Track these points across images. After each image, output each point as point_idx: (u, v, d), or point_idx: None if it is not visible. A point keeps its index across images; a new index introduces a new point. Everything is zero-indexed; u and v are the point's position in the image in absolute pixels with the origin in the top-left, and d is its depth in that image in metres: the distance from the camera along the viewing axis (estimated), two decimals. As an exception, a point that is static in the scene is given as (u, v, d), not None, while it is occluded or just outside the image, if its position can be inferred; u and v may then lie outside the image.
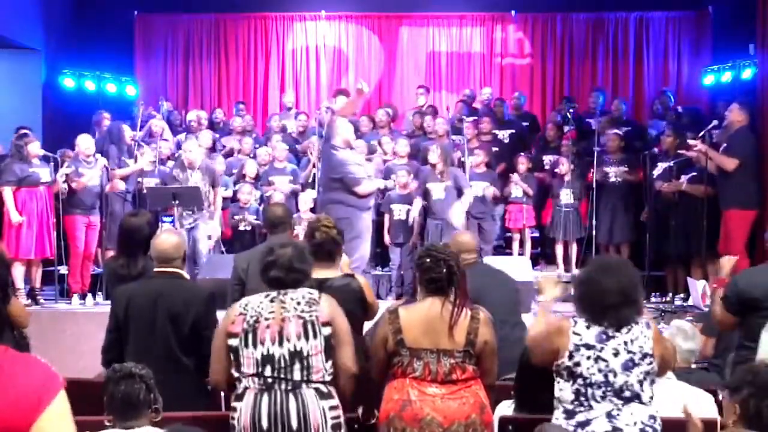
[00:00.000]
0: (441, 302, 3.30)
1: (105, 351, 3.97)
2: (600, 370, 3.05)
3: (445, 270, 3.31)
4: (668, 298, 8.23)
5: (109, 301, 4.44)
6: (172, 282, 3.95)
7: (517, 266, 7.23)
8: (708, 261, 7.70)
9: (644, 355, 3.07)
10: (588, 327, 3.11)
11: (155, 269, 4.02)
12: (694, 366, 4.39)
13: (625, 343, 3.07)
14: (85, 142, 8.12)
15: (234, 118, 10.68)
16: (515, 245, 9.26)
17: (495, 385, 3.46)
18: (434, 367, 3.26)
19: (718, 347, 4.91)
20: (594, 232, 8.60)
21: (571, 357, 3.09)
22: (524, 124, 10.72)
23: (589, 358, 3.07)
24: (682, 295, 8.07)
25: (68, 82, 10.60)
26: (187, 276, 4.21)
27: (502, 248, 9.58)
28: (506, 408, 3.49)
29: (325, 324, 3.20)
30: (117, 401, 3.00)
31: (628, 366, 3.05)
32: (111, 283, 4.53)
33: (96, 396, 3.14)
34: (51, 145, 8.51)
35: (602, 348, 3.06)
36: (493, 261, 7.05)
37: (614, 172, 8.73)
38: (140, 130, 9.36)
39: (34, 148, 7.67)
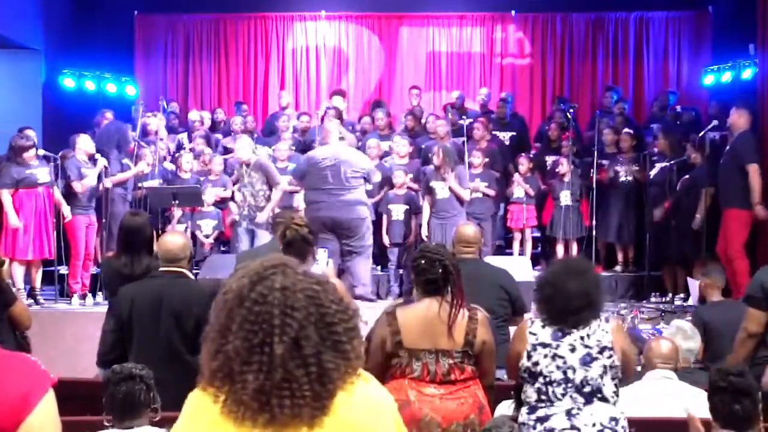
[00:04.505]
0: (438, 303, 3.31)
1: (105, 352, 3.97)
2: (558, 367, 3.07)
3: (440, 270, 3.31)
4: (668, 298, 8.22)
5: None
6: (176, 281, 3.97)
7: (517, 266, 7.23)
8: (708, 261, 7.69)
9: (602, 349, 3.07)
10: (544, 326, 3.14)
11: (161, 268, 4.04)
12: (693, 366, 4.39)
13: (581, 338, 3.09)
14: (85, 143, 8.11)
15: (234, 118, 10.63)
16: (516, 245, 9.26)
17: (494, 385, 3.46)
18: (433, 367, 3.26)
19: (706, 352, 4.89)
20: (594, 232, 8.60)
21: (529, 357, 3.11)
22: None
23: (546, 356, 3.09)
24: (682, 295, 8.06)
25: (68, 82, 10.58)
26: (191, 276, 4.23)
27: (503, 248, 9.58)
28: (506, 408, 3.49)
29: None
30: (117, 402, 3.01)
31: (586, 360, 3.06)
32: (112, 282, 4.52)
33: (95, 396, 3.14)
34: (51, 145, 8.49)
35: (558, 345, 3.09)
36: (492, 261, 7.03)
37: (625, 171, 8.73)
38: (136, 131, 9.33)
39: (29, 155, 7.53)
